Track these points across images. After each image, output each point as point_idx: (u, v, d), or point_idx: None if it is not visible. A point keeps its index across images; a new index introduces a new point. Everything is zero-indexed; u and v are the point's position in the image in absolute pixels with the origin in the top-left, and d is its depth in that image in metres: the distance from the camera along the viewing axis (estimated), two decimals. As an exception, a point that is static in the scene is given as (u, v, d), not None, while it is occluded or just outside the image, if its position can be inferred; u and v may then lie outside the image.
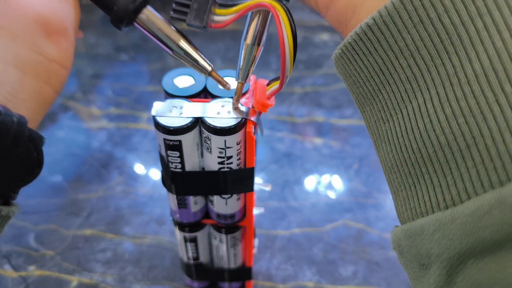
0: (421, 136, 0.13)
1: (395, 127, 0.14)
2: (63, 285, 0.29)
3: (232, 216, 0.23)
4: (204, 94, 0.21)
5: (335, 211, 0.33)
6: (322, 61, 0.46)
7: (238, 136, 0.19)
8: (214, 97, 0.20)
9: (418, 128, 0.13)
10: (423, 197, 0.13)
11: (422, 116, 0.13)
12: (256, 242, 0.27)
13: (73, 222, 0.32)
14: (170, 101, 0.20)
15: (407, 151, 0.14)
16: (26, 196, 0.34)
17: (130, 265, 0.30)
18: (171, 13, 0.17)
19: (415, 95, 0.13)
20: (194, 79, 0.21)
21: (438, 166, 0.13)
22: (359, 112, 0.16)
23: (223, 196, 0.22)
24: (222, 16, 0.17)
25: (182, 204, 0.23)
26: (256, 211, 0.24)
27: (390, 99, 0.14)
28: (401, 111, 0.14)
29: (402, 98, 0.14)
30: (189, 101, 0.20)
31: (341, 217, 0.33)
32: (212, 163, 0.20)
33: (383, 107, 0.14)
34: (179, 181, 0.21)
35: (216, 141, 0.19)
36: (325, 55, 0.47)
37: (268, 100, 0.19)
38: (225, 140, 0.19)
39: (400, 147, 0.14)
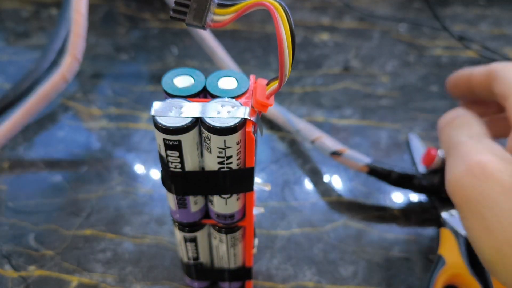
0: None
1: None
2: (63, 285, 0.29)
3: (231, 216, 0.23)
4: (204, 94, 0.21)
5: (335, 211, 0.33)
6: (322, 61, 0.46)
7: (238, 136, 0.19)
8: (214, 97, 0.20)
9: None
10: None
11: None
12: (256, 242, 0.27)
13: (73, 222, 0.32)
14: (169, 101, 0.20)
15: None
16: (26, 196, 0.34)
17: (130, 265, 0.30)
18: (171, 13, 0.17)
19: None
20: (194, 79, 0.21)
21: None
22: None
23: (223, 196, 0.22)
24: (221, 16, 0.17)
25: (182, 204, 0.23)
26: (256, 211, 0.24)
27: None
28: None
29: None
30: (188, 101, 0.20)
31: (341, 217, 0.33)
32: (212, 163, 0.20)
33: None
34: (179, 181, 0.21)
35: (216, 141, 0.19)
36: (325, 55, 0.47)
37: (267, 99, 0.19)
38: (224, 140, 0.19)
39: None
